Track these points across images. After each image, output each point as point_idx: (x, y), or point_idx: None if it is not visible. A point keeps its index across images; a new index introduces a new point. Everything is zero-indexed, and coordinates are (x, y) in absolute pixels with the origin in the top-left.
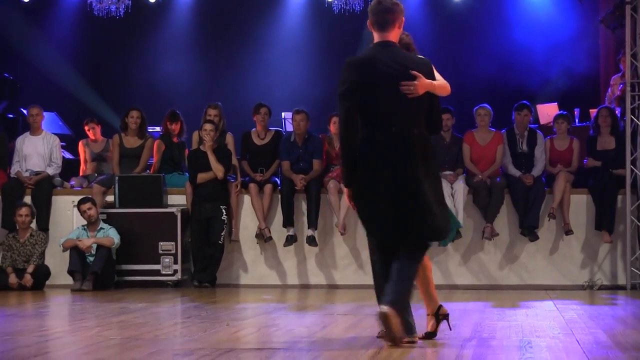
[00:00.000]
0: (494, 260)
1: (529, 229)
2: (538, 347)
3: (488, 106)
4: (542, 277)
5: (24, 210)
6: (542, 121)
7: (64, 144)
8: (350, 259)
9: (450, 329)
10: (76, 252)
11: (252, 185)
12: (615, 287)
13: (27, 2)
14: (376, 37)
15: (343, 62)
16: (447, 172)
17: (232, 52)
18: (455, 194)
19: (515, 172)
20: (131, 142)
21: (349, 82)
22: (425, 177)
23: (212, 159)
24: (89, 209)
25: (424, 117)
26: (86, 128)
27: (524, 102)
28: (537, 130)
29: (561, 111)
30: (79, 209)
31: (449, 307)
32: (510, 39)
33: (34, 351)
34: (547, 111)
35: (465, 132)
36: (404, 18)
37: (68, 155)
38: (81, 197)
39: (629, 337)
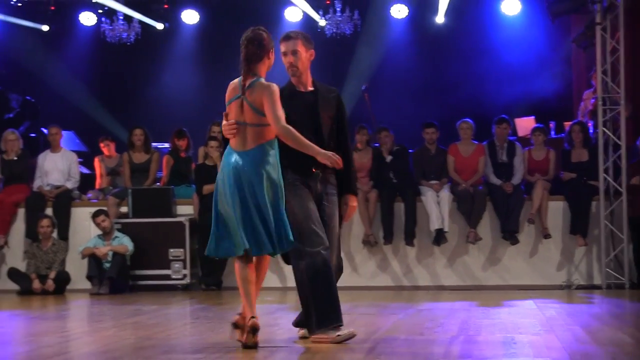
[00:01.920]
0: (478, 262)
1: (509, 233)
2: (521, 343)
3: (470, 120)
4: (522, 278)
5: (45, 222)
6: (520, 133)
7: (81, 160)
8: (345, 263)
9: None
10: (93, 259)
11: None
12: (591, 287)
13: (47, 30)
14: None
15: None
16: (433, 182)
17: (233, 73)
18: (441, 202)
19: (496, 181)
20: (139, 157)
21: None
22: None
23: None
24: (103, 220)
25: None
26: (101, 145)
27: (503, 116)
28: (516, 142)
29: (538, 124)
30: (94, 221)
31: (436, 306)
32: (489, 57)
33: (56, 351)
34: (525, 124)
35: (449, 145)
36: None
37: (85, 170)
38: (96, 209)
39: (605, 334)
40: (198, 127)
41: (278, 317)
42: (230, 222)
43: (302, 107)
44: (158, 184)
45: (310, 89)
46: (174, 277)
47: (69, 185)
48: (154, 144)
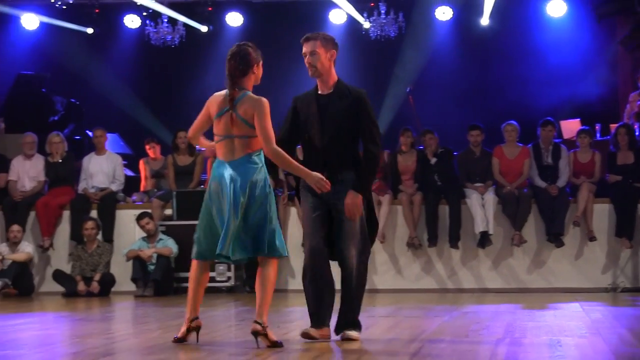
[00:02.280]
0: (523, 265)
1: (555, 236)
2: (567, 345)
3: (515, 122)
4: (567, 281)
5: (90, 224)
6: (566, 136)
7: (125, 162)
8: (389, 265)
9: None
10: (138, 262)
11: (297, 199)
12: (636, 290)
13: (91, 33)
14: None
15: (379, 84)
16: (478, 184)
17: (276, 74)
18: (486, 204)
19: (541, 183)
20: (183, 160)
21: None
22: None
23: None
24: (147, 223)
25: None
26: (147, 147)
27: (549, 118)
28: (561, 145)
29: (583, 126)
30: (138, 224)
31: (481, 309)
32: (534, 59)
33: (102, 352)
34: (570, 126)
35: (494, 147)
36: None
37: (129, 173)
38: (141, 211)
39: None
40: None
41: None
42: (214, 228)
43: (314, 110)
44: (202, 186)
45: (330, 91)
46: (218, 279)
47: (114, 187)
48: (198, 147)
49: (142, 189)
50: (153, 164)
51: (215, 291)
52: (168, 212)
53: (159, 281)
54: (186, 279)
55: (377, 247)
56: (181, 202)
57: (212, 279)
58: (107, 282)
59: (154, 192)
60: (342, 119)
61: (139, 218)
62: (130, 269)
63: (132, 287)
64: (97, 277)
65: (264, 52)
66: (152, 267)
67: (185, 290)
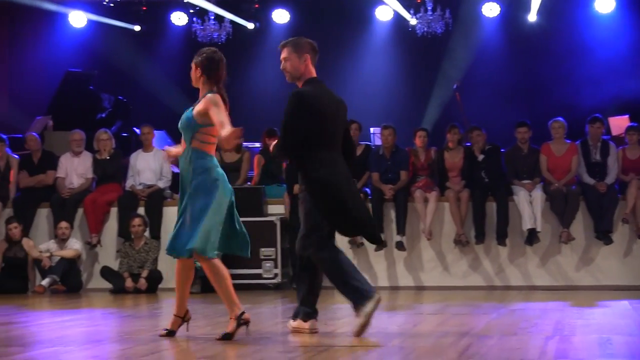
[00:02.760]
0: (571, 262)
1: (603, 233)
2: (618, 343)
3: (562, 119)
4: (616, 278)
5: (137, 221)
6: (614, 132)
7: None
8: (436, 262)
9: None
10: None
11: None
12: None
13: (138, 30)
14: (314, 73)
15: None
16: (526, 181)
17: (324, 71)
18: (533, 201)
19: (589, 180)
20: (230, 157)
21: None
22: None
23: None
24: None
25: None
26: None
27: (597, 115)
28: (610, 141)
29: (632, 123)
30: None
31: (529, 306)
32: (582, 56)
33: (151, 349)
34: (619, 123)
35: (542, 144)
36: None
37: (176, 170)
38: None
39: None
40: None
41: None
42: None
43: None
44: (249, 183)
45: None
46: (265, 276)
47: (161, 184)
48: (245, 144)
49: None
50: None
51: (262, 288)
52: None
53: (206, 278)
54: (233, 276)
55: (424, 244)
56: None
57: (259, 276)
58: (155, 278)
59: None
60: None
61: None
62: None
63: None
64: (144, 273)
65: None
66: (199, 264)
67: (233, 287)
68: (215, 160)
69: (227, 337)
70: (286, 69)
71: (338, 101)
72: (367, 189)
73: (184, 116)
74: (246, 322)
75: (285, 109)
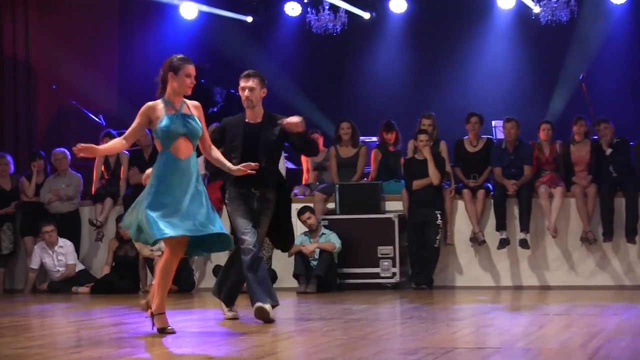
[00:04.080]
0: None
1: None
2: None
3: None
4: None
5: None
6: None
7: (286, 154)
8: (562, 261)
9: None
10: (300, 257)
11: (465, 191)
12: None
13: (251, 22)
14: None
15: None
16: None
17: (443, 63)
18: None
19: None
20: (346, 152)
21: None
22: None
23: (431, 166)
24: (308, 218)
25: None
26: None
27: None
28: None
29: None
30: (299, 219)
31: None
32: None
33: (267, 350)
34: None
35: None
36: None
37: (291, 166)
38: (302, 205)
39: None
40: (407, 120)
41: (493, 317)
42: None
43: (246, 135)
44: (366, 179)
45: (259, 120)
46: (383, 275)
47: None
48: (361, 138)
49: (303, 182)
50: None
51: (379, 288)
52: (331, 205)
53: (322, 277)
54: (349, 275)
55: (549, 242)
56: (344, 196)
57: (377, 275)
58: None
59: (316, 185)
60: (274, 144)
61: (300, 213)
62: (292, 264)
63: (294, 283)
64: None
65: (429, 40)
66: (314, 263)
67: (348, 287)
68: None
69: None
70: (250, 98)
71: None
72: (488, 185)
73: (195, 124)
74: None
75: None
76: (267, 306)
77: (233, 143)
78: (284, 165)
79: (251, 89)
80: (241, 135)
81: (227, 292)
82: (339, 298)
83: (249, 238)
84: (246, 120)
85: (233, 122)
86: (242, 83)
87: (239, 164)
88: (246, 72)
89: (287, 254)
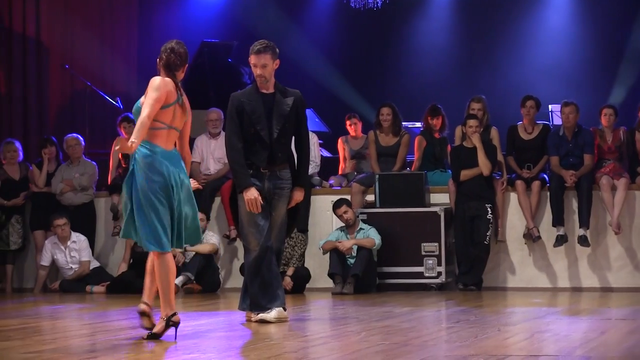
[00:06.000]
0: None
1: None
2: None
3: None
4: None
5: None
6: None
7: (321, 141)
8: (625, 260)
9: (176, 338)
10: (336, 254)
11: (519, 182)
12: None
13: None
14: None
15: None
16: None
17: (495, 40)
18: None
19: None
20: (386, 139)
21: None
22: None
23: (480, 155)
24: (345, 212)
25: None
26: (347, 123)
27: None
28: None
29: None
30: (335, 213)
31: None
32: None
33: (299, 356)
34: None
35: None
36: None
37: (326, 154)
38: (338, 197)
39: None
40: (455, 104)
41: (549, 321)
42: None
43: (260, 106)
44: (408, 169)
45: (272, 91)
46: (427, 275)
47: (309, 170)
48: (404, 124)
49: (340, 171)
50: (353, 143)
51: (423, 289)
52: (370, 198)
53: (360, 277)
54: (390, 274)
55: (611, 240)
56: (385, 187)
57: (421, 275)
58: (301, 277)
59: (354, 175)
60: (288, 115)
61: (335, 206)
62: (326, 262)
63: (329, 283)
64: (290, 271)
65: (480, 18)
66: (351, 261)
67: (388, 288)
68: None
69: (153, 337)
70: (263, 75)
71: None
72: (544, 175)
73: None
74: (175, 324)
75: (304, 108)
76: (270, 316)
77: (254, 115)
78: (318, 152)
79: (263, 66)
80: (261, 106)
81: (260, 295)
82: (378, 300)
83: (252, 238)
84: (261, 91)
85: (247, 96)
86: (254, 59)
87: (267, 135)
88: (257, 48)
89: (321, 250)
